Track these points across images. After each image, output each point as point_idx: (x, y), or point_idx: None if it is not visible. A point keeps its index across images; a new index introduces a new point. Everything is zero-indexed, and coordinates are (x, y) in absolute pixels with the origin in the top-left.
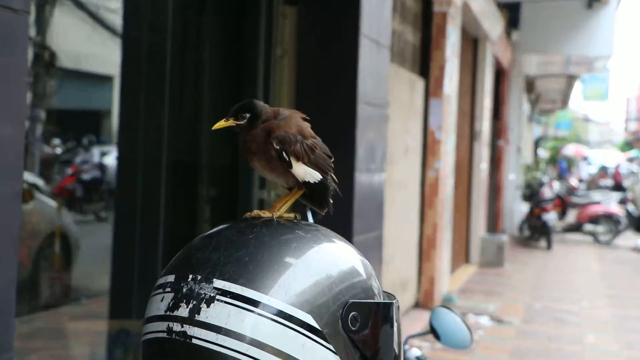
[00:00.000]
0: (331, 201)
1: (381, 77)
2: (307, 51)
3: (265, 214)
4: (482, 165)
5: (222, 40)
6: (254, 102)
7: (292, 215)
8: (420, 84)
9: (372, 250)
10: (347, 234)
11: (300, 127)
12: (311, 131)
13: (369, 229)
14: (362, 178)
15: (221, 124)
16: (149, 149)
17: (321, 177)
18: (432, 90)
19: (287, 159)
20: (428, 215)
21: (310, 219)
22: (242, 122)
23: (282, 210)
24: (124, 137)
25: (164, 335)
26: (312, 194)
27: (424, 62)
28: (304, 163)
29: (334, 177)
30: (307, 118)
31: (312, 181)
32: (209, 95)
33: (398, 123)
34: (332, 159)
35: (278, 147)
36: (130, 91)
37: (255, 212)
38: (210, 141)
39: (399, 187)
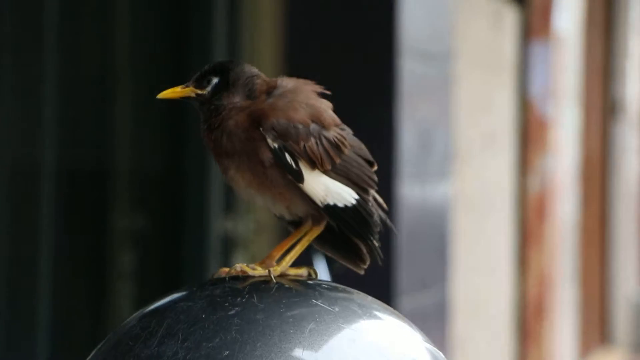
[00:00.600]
0: (377, 244)
1: (441, 7)
2: None
3: (257, 271)
4: (631, 163)
5: None
6: (231, 61)
7: (302, 271)
8: (511, 17)
9: (431, 325)
10: (384, 293)
11: (316, 110)
12: (335, 116)
13: (422, 285)
14: (409, 192)
15: (171, 92)
16: (17, 149)
17: (357, 197)
18: (533, 28)
19: (294, 165)
20: (531, 259)
21: (326, 273)
22: (205, 92)
23: (286, 264)
24: None
25: None
26: (338, 232)
27: None
28: (325, 172)
29: (379, 199)
30: (326, 92)
31: (340, 205)
32: (122, 56)
33: (472, 89)
34: (375, 167)
35: (276, 145)
36: None
37: (239, 266)
38: (129, 131)
39: (474, 208)
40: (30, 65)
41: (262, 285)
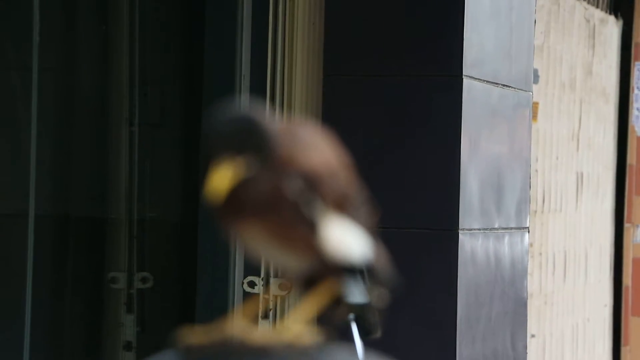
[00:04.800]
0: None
1: (519, 18)
2: None
3: (260, 336)
4: None
5: None
6: (258, 124)
7: (311, 338)
8: (610, 29)
9: None
10: None
11: (332, 157)
12: (345, 161)
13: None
14: (475, 247)
15: (222, 178)
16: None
17: (371, 250)
18: (638, 45)
19: (317, 215)
20: (635, 329)
21: (358, 345)
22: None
23: (300, 322)
24: None
25: None
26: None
27: None
28: (342, 218)
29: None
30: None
31: (357, 257)
32: (124, 72)
33: (557, 121)
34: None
35: (296, 195)
36: None
37: (236, 328)
38: (131, 172)
39: (563, 271)
40: (17, 91)
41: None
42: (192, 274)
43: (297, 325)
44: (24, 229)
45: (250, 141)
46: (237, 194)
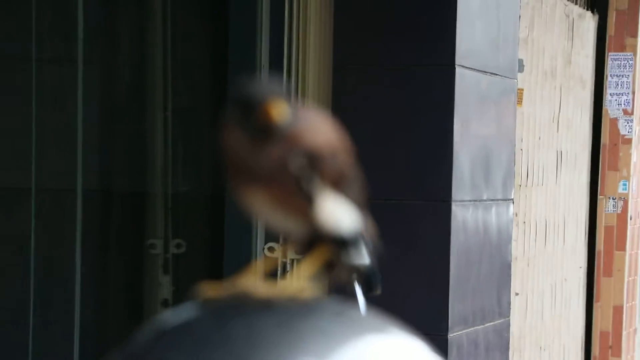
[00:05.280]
0: (371, 263)
1: (505, 14)
2: None
3: (265, 290)
4: None
5: None
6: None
7: (307, 290)
8: (587, 24)
9: (495, 353)
10: (439, 327)
11: (334, 140)
12: (347, 145)
13: (483, 317)
14: (466, 216)
15: (279, 107)
16: (47, 170)
17: (361, 224)
18: (612, 37)
19: (315, 189)
20: (605, 288)
21: (361, 300)
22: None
23: (296, 283)
24: None
25: None
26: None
27: None
28: (337, 195)
29: (366, 229)
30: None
31: (345, 229)
32: (158, 63)
33: (539, 105)
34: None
35: (301, 169)
36: None
37: (246, 283)
38: (166, 151)
39: (544, 237)
40: (64, 81)
41: (272, 304)
42: (220, 241)
43: (299, 281)
44: (73, 202)
45: (282, 91)
46: (248, 162)
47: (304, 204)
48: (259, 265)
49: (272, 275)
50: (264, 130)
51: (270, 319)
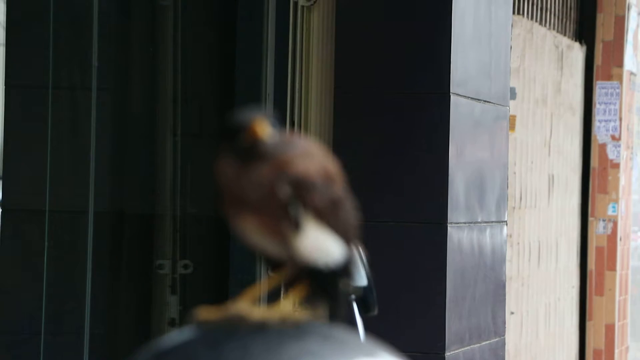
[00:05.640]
0: (345, 296)
1: (497, 44)
2: None
3: (259, 313)
4: None
5: None
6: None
7: (300, 313)
8: (576, 54)
9: None
10: (436, 345)
11: (326, 168)
12: (338, 174)
13: (479, 335)
14: (461, 237)
15: (262, 126)
16: (60, 192)
17: (343, 256)
18: (599, 67)
19: (299, 218)
20: (597, 307)
21: (359, 323)
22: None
23: (286, 307)
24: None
25: None
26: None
27: (584, 14)
28: (323, 227)
29: (362, 252)
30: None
31: (325, 265)
32: (170, 91)
33: (531, 131)
34: (358, 226)
35: (287, 198)
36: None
37: (240, 307)
38: (175, 175)
39: (537, 258)
40: (78, 108)
41: (262, 330)
42: (226, 262)
43: (290, 305)
44: (85, 224)
45: (267, 115)
46: (237, 188)
47: (289, 230)
48: (258, 288)
49: (275, 293)
50: (250, 151)
51: (263, 341)
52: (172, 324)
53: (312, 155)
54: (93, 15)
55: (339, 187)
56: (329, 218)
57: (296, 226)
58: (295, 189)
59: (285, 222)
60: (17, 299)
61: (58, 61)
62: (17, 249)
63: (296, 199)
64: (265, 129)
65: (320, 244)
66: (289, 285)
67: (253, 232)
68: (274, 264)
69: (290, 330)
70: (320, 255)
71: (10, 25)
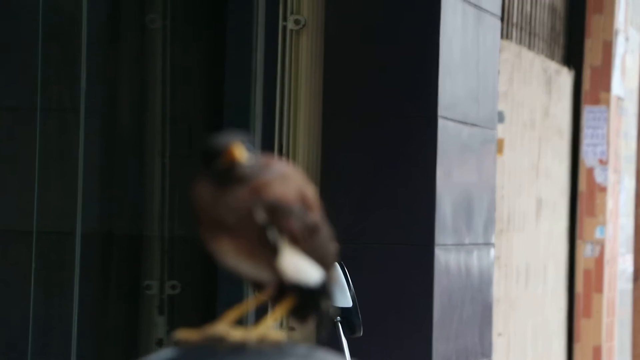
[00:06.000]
0: (324, 316)
1: (485, 69)
2: (344, 21)
3: (234, 334)
4: None
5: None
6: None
7: (280, 334)
8: (564, 79)
9: None
10: None
11: (303, 192)
12: (315, 200)
13: (466, 357)
14: (448, 259)
15: (239, 150)
16: (48, 213)
17: (321, 276)
18: (587, 92)
19: (276, 242)
20: (583, 331)
21: (345, 344)
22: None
23: (265, 327)
24: None
25: None
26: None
27: (573, 39)
28: (300, 251)
29: (347, 273)
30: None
31: (305, 284)
32: (159, 113)
33: (520, 154)
34: (335, 250)
35: (263, 222)
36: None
37: (220, 328)
38: (163, 196)
39: (525, 280)
40: (67, 129)
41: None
42: (213, 282)
43: (269, 326)
44: (72, 245)
45: (244, 139)
46: (214, 214)
47: (268, 254)
48: (240, 309)
49: (260, 314)
50: (227, 175)
51: None
52: (160, 344)
53: (289, 180)
54: (82, 37)
55: (316, 212)
56: (306, 243)
57: (273, 250)
58: (271, 213)
59: (262, 246)
60: (3, 319)
61: (46, 83)
62: (4, 269)
63: (272, 223)
64: (242, 152)
65: (298, 268)
66: (273, 304)
67: (230, 255)
68: (257, 285)
69: (269, 350)
70: (298, 278)
71: None
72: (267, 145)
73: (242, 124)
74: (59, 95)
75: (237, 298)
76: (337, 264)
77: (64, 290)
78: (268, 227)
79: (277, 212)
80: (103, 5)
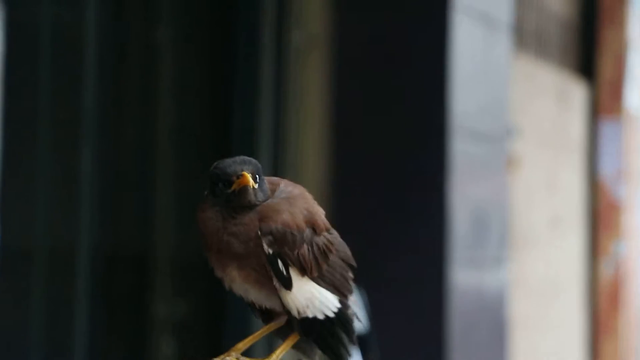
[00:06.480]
0: (350, 346)
1: (496, 83)
2: (354, 38)
3: None
4: None
5: (184, 29)
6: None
7: None
8: (578, 92)
9: None
10: None
11: (312, 215)
12: (326, 221)
13: None
14: (462, 278)
15: (249, 179)
16: (53, 231)
17: (338, 305)
18: (602, 106)
19: (285, 272)
20: (604, 350)
21: None
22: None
23: (276, 357)
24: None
25: None
26: (320, 334)
27: (586, 51)
28: (312, 279)
29: (363, 295)
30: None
31: (319, 316)
32: (166, 133)
33: (533, 169)
34: (353, 271)
35: (270, 251)
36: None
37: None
38: (171, 216)
39: (538, 296)
40: (69, 151)
41: None
42: (222, 307)
43: (280, 353)
44: (79, 265)
45: (253, 166)
46: (222, 242)
47: (274, 284)
48: (251, 339)
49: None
50: (236, 202)
51: None
52: None
53: (297, 203)
54: (87, 56)
55: (326, 236)
56: (317, 270)
57: (282, 279)
58: (279, 242)
59: (270, 275)
60: (6, 341)
61: (53, 101)
62: (9, 289)
63: (281, 252)
64: (250, 179)
65: (310, 296)
66: (282, 335)
67: (239, 283)
68: (268, 313)
69: None
70: (311, 308)
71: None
72: (275, 164)
73: (249, 144)
74: (64, 112)
75: (246, 321)
76: (356, 287)
77: (70, 311)
78: (276, 256)
79: (285, 240)
80: (109, 26)
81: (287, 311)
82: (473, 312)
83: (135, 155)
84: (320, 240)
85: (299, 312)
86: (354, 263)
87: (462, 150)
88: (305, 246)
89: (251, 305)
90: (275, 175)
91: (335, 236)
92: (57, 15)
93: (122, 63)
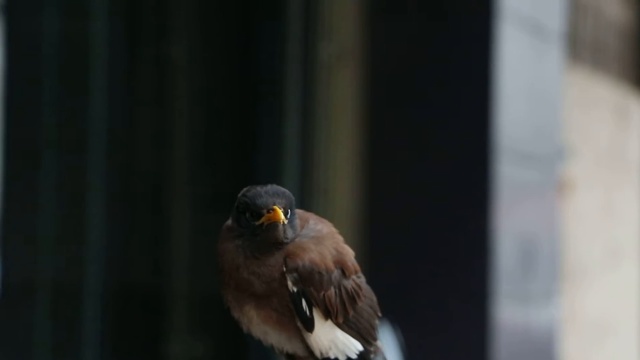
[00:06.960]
0: None
1: (547, 98)
2: (389, 51)
3: None
4: None
5: (209, 40)
6: (288, 193)
7: None
8: (638, 108)
9: None
10: None
11: (341, 256)
12: (356, 263)
13: None
14: (508, 314)
15: (280, 213)
16: (58, 264)
17: (361, 349)
18: None
19: (308, 313)
20: None
21: None
22: (254, 223)
23: None
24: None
25: None
26: None
27: None
28: (337, 324)
29: (398, 333)
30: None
31: (341, 358)
32: (183, 157)
33: (588, 193)
34: (379, 317)
35: (295, 289)
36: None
37: None
38: (187, 247)
39: (591, 335)
40: (76, 176)
41: None
42: (242, 347)
43: None
44: (90, 301)
45: (286, 199)
46: (243, 279)
47: (297, 326)
48: None
49: None
50: (263, 237)
51: None
52: None
53: (325, 242)
54: (100, 75)
55: (355, 280)
56: (343, 314)
57: (305, 322)
58: (304, 281)
59: (293, 317)
60: None
61: (58, 123)
62: (11, 328)
63: (306, 291)
64: (282, 215)
65: (333, 342)
66: None
67: (258, 324)
68: (289, 357)
69: None
70: (333, 349)
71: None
72: (302, 188)
73: (275, 166)
74: (70, 134)
75: (267, 358)
76: (386, 328)
77: (83, 348)
78: (300, 294)
79: (311, 279)
80: (125, 44)
81: (309, 352)
82: (520, 352)
83: (148, 181)
84: (348, 283)
85: (321, 353)
86: (379, 313)
87: (508, 174)
88: (332, 289)
89: (274, 350)
90: (302, 201)
91: (362, 280)
92: (63, 27)
93: (137, 80)
